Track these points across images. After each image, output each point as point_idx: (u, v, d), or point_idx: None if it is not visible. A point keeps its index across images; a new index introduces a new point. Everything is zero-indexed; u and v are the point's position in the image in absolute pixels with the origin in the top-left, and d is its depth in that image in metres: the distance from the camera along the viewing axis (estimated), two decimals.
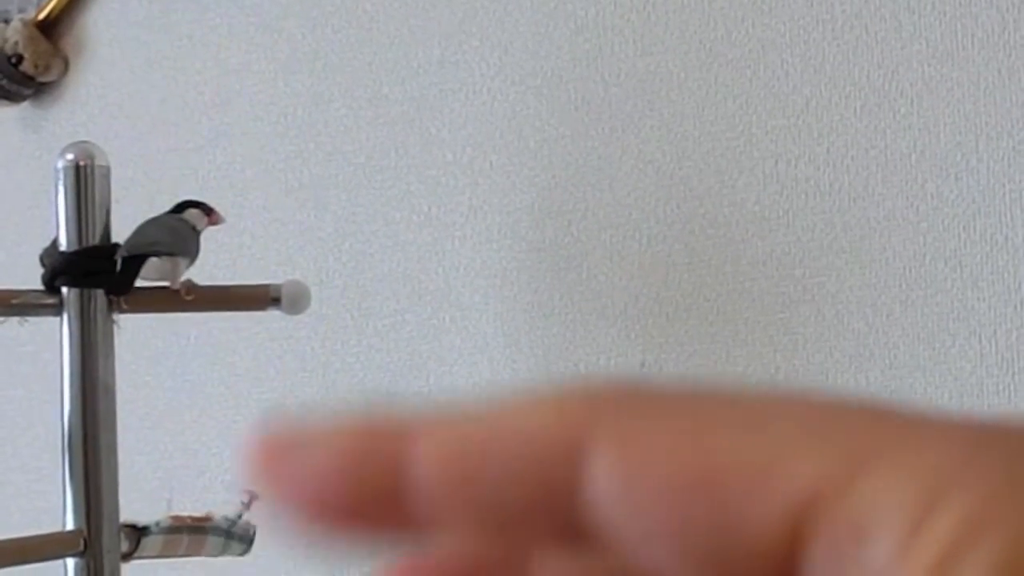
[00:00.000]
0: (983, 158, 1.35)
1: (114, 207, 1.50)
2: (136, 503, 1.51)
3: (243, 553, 1.61)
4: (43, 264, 1.48)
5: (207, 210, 1.55)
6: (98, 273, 1.47)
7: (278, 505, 0.24)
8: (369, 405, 0.24)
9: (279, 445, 0.24)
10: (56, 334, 1.47)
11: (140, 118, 2.06)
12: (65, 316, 1.46)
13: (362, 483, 0.24)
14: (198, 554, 1.56)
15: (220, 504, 1.60)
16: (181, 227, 1.53)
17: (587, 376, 0.23)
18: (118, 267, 1.47)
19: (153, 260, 1.48)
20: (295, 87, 1.88)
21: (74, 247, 1.47)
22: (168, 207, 1.55)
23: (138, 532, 1.48)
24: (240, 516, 1.61)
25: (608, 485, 0.22)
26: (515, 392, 0.24)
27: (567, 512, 0.22)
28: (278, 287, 1.55)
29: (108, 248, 1.48)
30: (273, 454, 0.24)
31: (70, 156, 1.48)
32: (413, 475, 0.23)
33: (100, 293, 1.47)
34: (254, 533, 1.61)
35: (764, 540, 0.21)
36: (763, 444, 0.22)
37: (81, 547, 1.43)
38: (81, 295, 1.46)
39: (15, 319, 1.51)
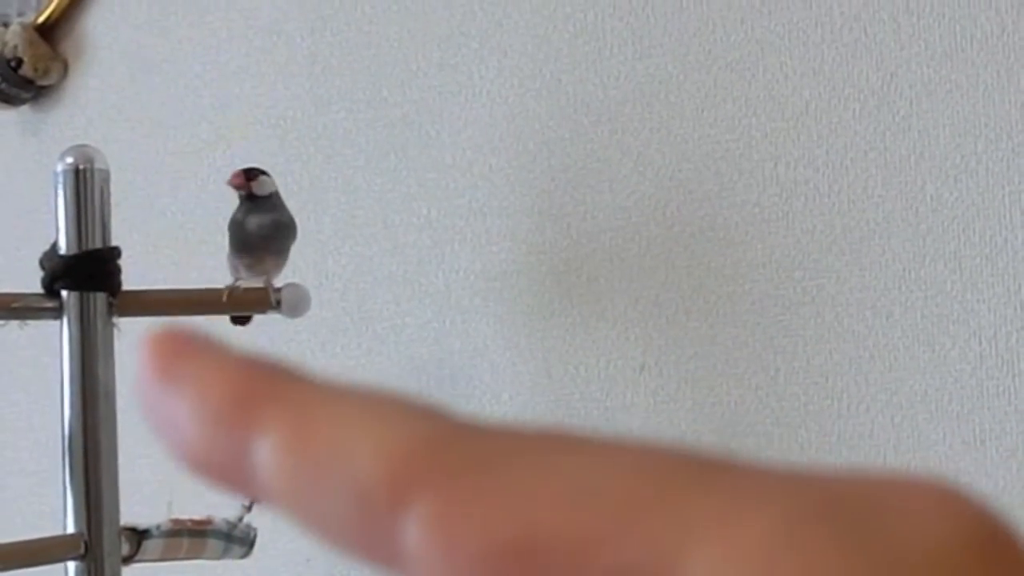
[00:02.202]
0: (982, 160, 1.35)
1: (114, 211, 1.50)
2: (137, 506, 1.51)
3: (244, 556, 1.61)
4: (43, 268, 1.48)
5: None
6: (98, 276, 1.47)
7: (156, 434, 0.24)
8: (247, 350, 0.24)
9: (163, 366, 0.24)
10: (56, 338, 1.47)
11: (139, 121, 2.06)
12: (65, 320, 1.46)
13: (213, 447, 0.23)
14: (199, 557, 1.56)
15: (221, 507, 1.60)
16: None
17: (431, 405, 0.23)
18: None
19: None
20: (294, 90, 1.89)
21: (74, 251, 1.47)
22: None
23: (139, 535, 1.48)
24: (241, 519, 1.61)
25: (424, 541, 0.21)
26: (370, 394, 0.23)
27: (388, 548, 0.22)
28: (278, 291, 1.55)
29: (108, 252, 1.48)
30: (154, 376, 0.24)
31: (70, 159, 1.48)
32: (255, 457, 0.23)
33: (100, 296, 1.47)
34: (255, 536, 1.61)
35: None
36: (589, 514, 0.21)
37: (82, 550, 1.43)
38: (81, 299, 1.46)
39: (15, 323, 1.51)
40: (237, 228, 1.56)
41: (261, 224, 1.55)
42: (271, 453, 0.23)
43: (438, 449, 0.22)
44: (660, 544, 0.20)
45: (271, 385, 0.23)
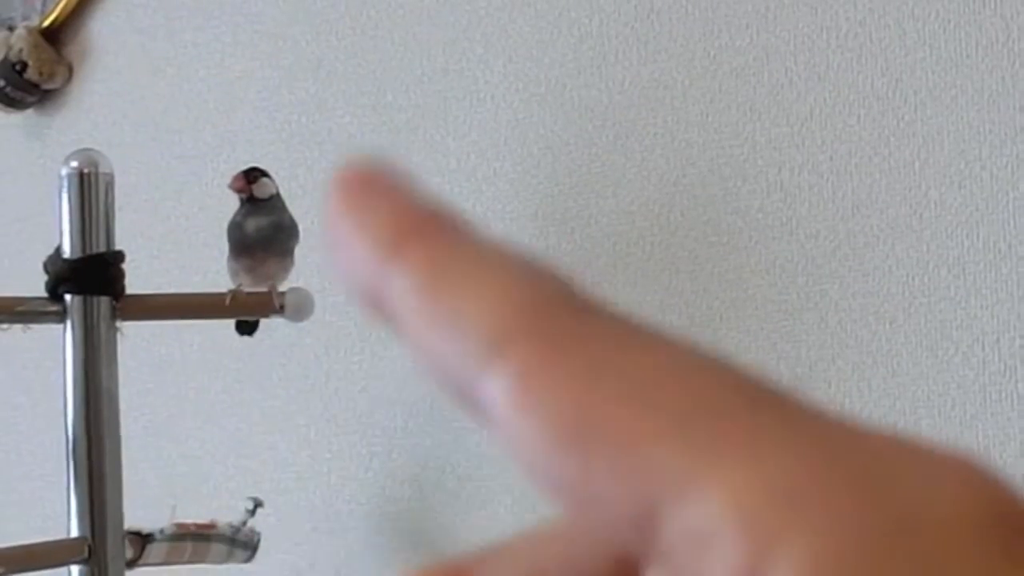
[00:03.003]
0: (987, 166, 1.35)
1: (118, 214, 1.50)
2: (140, 510, 1.51)
3: (247, 560, 1.61)
4: (47, 271, 1.48)
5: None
6: (102, 280, 1.47)
7: (330, 256, 0.27)
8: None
9: (347, 199, 0.27)
10: (60, 341, 1.47)
11: (144, 125, 2.07)
12: (69, 323, 1.46)
13: (367, 273, 0.26)
14: (202, 561, 1.56)
15: (224, 511, 1.61)
16: None
17: (553, 273, 0.26)
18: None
19: None
20: (299, 94, 1.89)
21: (78, 254, 1.47)
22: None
23: (142, 539, 1.48)
24: (244, 523, 1.61)
25: (501, 399, 0.24)
26: (503, 247, 0.26)
27: (478, 399, 0.24)
28: (282, 295, 1.55)
29: (112, 256, 1.48)
30: (339, 208, 0.27)
31: (74, 163, 1.48)
32: (394, 291, 0.26)
33: (104, 300, 1.47)
34: (258, 540, 1.61)
35: (616, 516, 0.23)
36: (644, 421, 0.23)
37: (86, 554, 1.44)
38: (85, 302, 1.47)
39: (19, 326, 1.51)
40: (236, 231, 1.56)
41: (260, 227, 1.55)
42: (406, 291, 0.25)
43: (538, 317, 0.24)
44: (690, 466, 0.22)
45: (426, 227, 0.26)
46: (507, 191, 1.68)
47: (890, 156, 1.40)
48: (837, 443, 0.22)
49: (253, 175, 1.56)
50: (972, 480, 0.22)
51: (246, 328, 1.63)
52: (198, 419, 1.98)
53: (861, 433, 0.23)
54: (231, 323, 1.63)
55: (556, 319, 0.24)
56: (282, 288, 1.56)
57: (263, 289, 1.55)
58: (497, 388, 0.24)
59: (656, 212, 1.55)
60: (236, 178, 1.56)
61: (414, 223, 0.27)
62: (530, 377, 0.24)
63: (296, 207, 1.59)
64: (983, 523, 0.21)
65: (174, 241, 1.99)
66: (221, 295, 1.55)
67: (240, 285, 1.55)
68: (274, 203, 1.57)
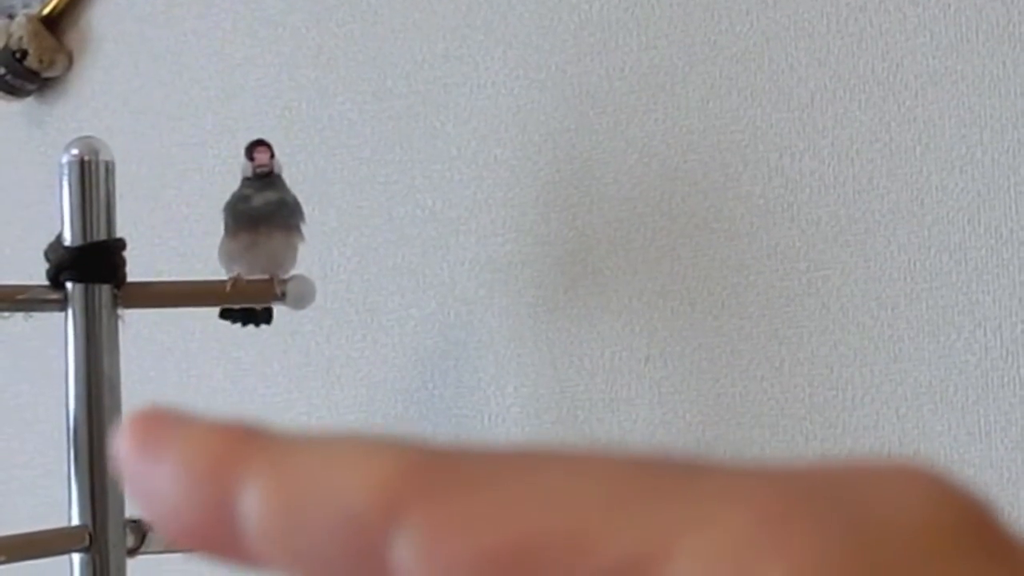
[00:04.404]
0: (988, 151, 1.35)
1: (119, 202, 1.50)
2: None
3: None
4: (48, 259, 1.48)
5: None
6: (103, 268, 1.47)
7: (141, 508, 0.24)
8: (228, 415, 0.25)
9: (143, 443, 0.24)
10: (61, 329, 1.47)
11: (144, 113, 2.06)
12: (70, 311, 1.46)
13: (197, 508, 0.24)
14: None
15: None
16: None
17: (408, 437, 0.23)
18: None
19: None
20: (299, 81, 1.88)
21: (79, 242, 1.47)
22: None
23: (143, 527, 1.48)
24: None
25: (418, 556, 0.22)
26: (348, 434, 0.23)
27: (382, 573, 0.22)
28: (283, 282, 1.55)
29: (113, 243, 1.48)
30: (136, 453, 0.24)
31: (74, 151, 1.48)
32: (241, 513, 0.23)
33: (105, 288, 1.47)
34: None
35: None
36: (577, 516, 0.21)
37: (87, 543, 1.44)
38: (86, 290, 1.46)
39: (20, 315, 1.51)
40: (242, 204, 1.55)
41: (268, 201, 1.55)
42: (257, 501, 0.23)
43: (425, 469, 0.22)
44: (646, 542, 0.21)
45: (250, 442, 0.24)
46: (508, 178, 1.67)
47: (891, 141, 1.40)
48: (786, 490, 0.21)
49: (271, 150, 1.56)
50: (932, 488, 0.22)
51: (256, 319, 1.61)
52: (199, 407, 1.98)
53: (801, 471, 0.22)
54: (245, 323, 1.62)
55: (440, 465, 0.22)
56: (284, 275, 1.55)
57: (263, 276, 1.55)
58: (409, 544, 0.22)
59: (657, 198, 1.55)
60: (261, 151, 1.55)
61: (234, 439, 0.24)
62: (444, 518, 0.22)
63: (296, 193, 1.59)
64: (957, 527, 0.21)
65: (175, 228, 1.98)
66: (222, 282, 1.54)
67: (238, 273, 1.54)
68: (282, 180, 1.57)
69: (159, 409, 0.25)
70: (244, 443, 0.24)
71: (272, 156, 1.55)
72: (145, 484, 0.24)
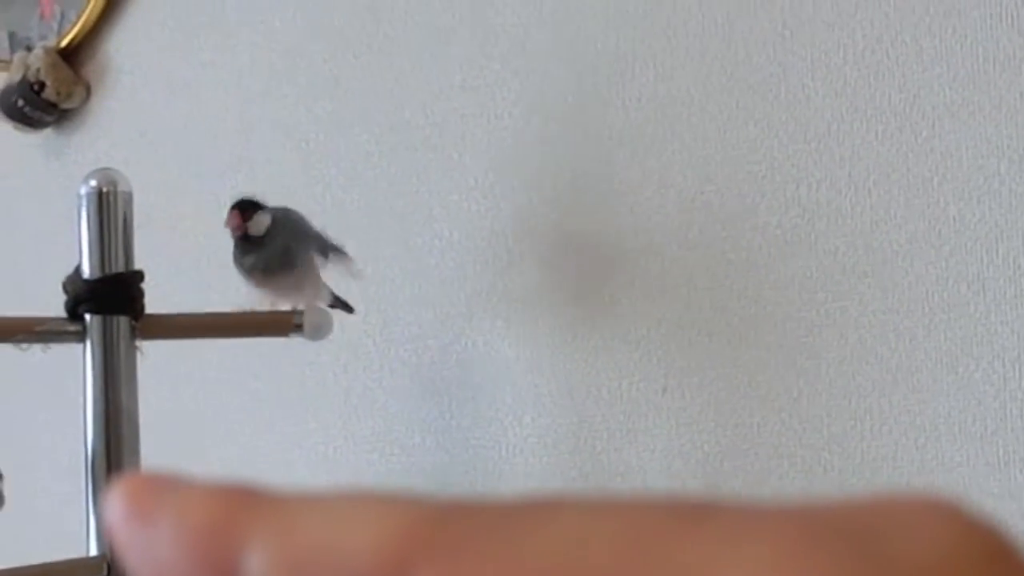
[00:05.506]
0: (1005, 181, 1.35)
1: (137, 233, 1.50)
2: None
3: None
4: (66, 291, 1.48)
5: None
6: (121, 300, 1.47)
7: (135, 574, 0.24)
8: (226, 478, 0.24)
9: (137, 508, 0.24)
10: (79, 361, 1.47)
11: (162, 144, 2.07)
12: (88, 343, 1.46)
13: (200, 573, 0.23)
14: None
15: None
16: None
17: (415, 492, 0.23)
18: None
19: None
20: (316, 113, 1.89)
21: (97, 274, 1.47)
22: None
23: None
24: None
25: None
26: (350, 492, 0.23)
27: None
28: (300, 313, 1.55)
29: (131, 275, 1.48)
30: (129, 518, 0.24)
31: (93, 182, 1.48)
32: (248, 572, 0.23)
33: (123, 320, 1.47)
34: None
35: None
36: (597, 565, 0.21)
37: (104, 573, 1.43)
38: (104, 322, 1.47)
39: (38, 346, 1.52)
40: (236, 261, 1.58)
41: (253, 264, 1.56)
42: (264, 563, 0.22)
43: (432, 527, 0.22)
44: None
45: (252, 502, 0.23)
46: (525, 208, 1.67)
47: (908, 172, 1.40)
48: (803, 528, 0.21)
49: (248, 212, 1.56)
50: (952, 520, 0.22)
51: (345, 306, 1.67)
52: (217, 438, 1.98)
53: (822, 506, 0.22)
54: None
55: (448, 519, 0.22)
56: (302, 305, 1.56)
57: (284, 308, 1.55)
58: None
59: (674, 229, 1.55)
60: (232, 216, 1.56)
61: (237, 497, 0.24)
62: (456, 573, 0.21)
63: (313, 225, 1.59)
64: (977, 559, 0.21)
65: (193, 260, 1.99)
66: (240, 314, 1.55)
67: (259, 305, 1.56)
68: (271, 236, 1.57)
69: (151, 473, 0.24)
70: (246, 504, 0.23)
71: (246, 219, 1.55)
72: (141, 549, 0.24)
